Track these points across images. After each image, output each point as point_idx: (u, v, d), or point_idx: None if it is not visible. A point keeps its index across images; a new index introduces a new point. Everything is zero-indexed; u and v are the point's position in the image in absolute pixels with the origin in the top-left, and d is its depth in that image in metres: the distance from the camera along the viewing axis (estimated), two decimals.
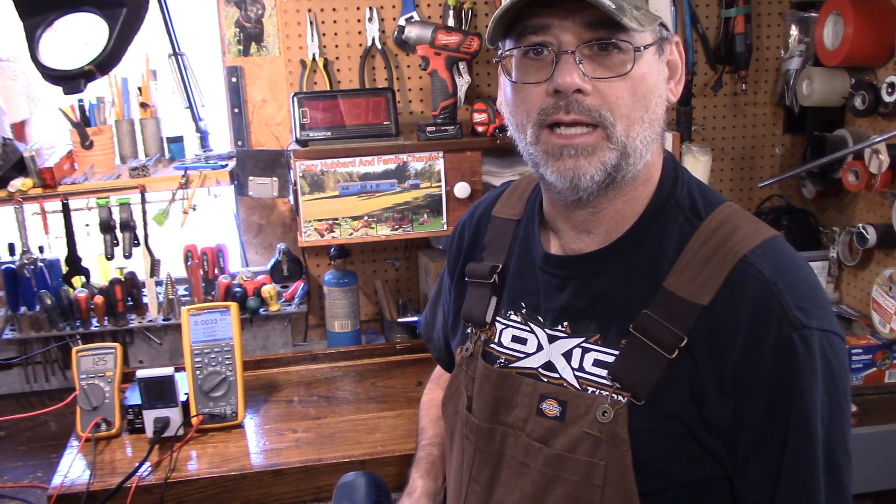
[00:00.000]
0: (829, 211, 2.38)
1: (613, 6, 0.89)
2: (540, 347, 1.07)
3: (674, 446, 0.97)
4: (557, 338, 1.05)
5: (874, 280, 2.09)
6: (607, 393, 0.99)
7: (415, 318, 2.29)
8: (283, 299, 2.28)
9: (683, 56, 1.03)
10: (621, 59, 0.94)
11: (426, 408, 1.42)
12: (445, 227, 2.10)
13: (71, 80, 1.85)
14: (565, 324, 1.05)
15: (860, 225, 2.10)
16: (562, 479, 1.01)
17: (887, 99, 2.02)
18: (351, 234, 2.07)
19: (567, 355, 1.04)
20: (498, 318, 1.14)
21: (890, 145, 1.98)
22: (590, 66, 0.93)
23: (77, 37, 2.02)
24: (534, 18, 0.94)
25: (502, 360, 1.11)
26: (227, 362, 1.84)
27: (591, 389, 1.00)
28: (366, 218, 2.06)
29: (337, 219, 2.05)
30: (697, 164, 2.17)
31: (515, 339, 1.10)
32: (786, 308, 0.92)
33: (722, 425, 0.95)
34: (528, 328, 1.09)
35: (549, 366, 1.05)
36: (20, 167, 2.03)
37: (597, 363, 1.01)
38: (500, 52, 1.01)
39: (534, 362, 1.07)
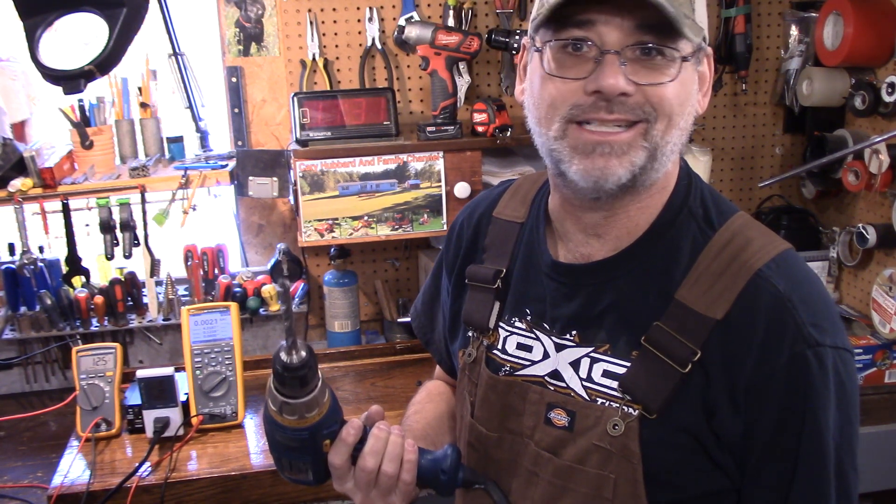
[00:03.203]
0: (829, 211, 2.38)
1: (672, 12, 0.86)
2: (546, 355, 1.05)
3: (684, 460, 0.96)
4: (565, 346, 1.03)
5: (874, 280, 2.09)
6: (617, 405, 0.97)
7: None
8: None
9: (713, 69, 1.01)
10: (666, 65, 0.91)
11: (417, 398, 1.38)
12: (445, 227, 2.09)
13: (71, 80, 1.85)
14: (574, 333, 1.03)
15: (860, 225, 2.10)
16: (571, 491, 1.00)
17: (887, 99, 2.02)
18: (351, 234, 2.07)
19: (575, 364, 1.02)
20: (501, 325, 1.12)
21: (890, 145, 1.98)
22: (633, 68, 0.90)
23: (77, 37, 2.02)
24: (579, 12, 0.90)
25: (507, 368, 1.09)
26: (227, 362, 1.84)
27: (600, 401, 0.99)
28: (366, 218, 2.06)
29: (337, 219, 2.05)
30: (697, 164, 2.17)
31: (520, 346, 1.08)
32: (800, 325, 0.91)
33: (733, 440, 0.94)
34: (533, 335, 1.07)
35: (555, 374, 1.04)
36: (20, 167, 2.03)
37: (606, 374, 0.99)
38: (534, 39, 0.96)
39: (540, 370, 1.05)
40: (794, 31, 2.32)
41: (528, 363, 1.07)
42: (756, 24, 2.37)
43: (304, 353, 0.92)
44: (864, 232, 2.08)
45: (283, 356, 0.92)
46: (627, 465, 0.96)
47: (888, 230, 2.04)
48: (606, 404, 0.98)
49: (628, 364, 0.98)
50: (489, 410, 1.09)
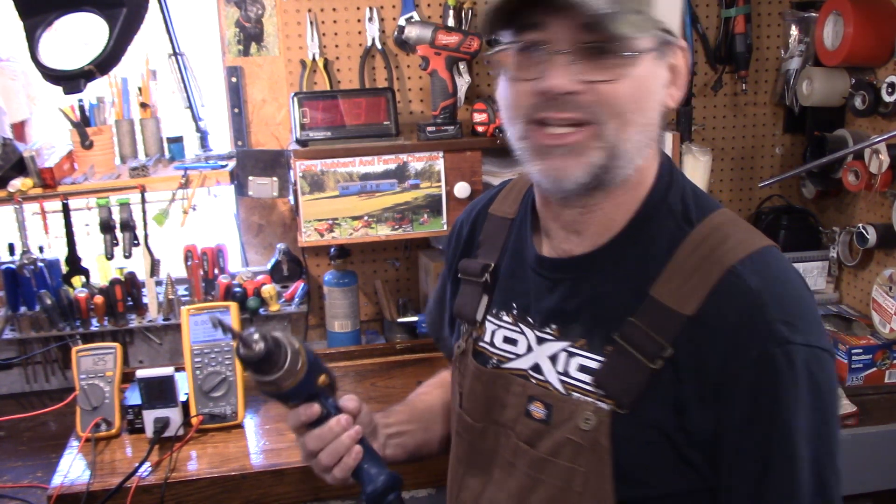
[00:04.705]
0: (829, 211, 2.38)
1: (608, 10, 0.86)
2: (530, 349, 1.07)
3: (656, 457, 0.96)
4: (545, 340, 1.05)
5: (874, 280, 2.09)
6: (591, 399, 0.98)
7: (415, 318, 2.29)
8: (283, 299, 2.28)
9: (688, 63, 1.01)
10: (616, 63, 0.91)
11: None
12: (445, 227, 2.09)
13: (71, 80, 1.85)
14: (553, 326, 1.04)
15: (860, 225, 2.10)
16: (544, 483, 1.01)
17: (887, 99, 2.02)
18: (351, 234, 2.07)
19: (553, 358, 1.03)
20: (489, 318, 1.14)
21: (890, 145, 1.98)
22: (583, 67, 0.91)
23: (77, 37, 2.02)
24: (530, 15, 0.92)
25: (494, 361, 1.11)
26: (227, 362, 1.84)
27: (575, 395, 1.00)
28: (366, 218, 2.06)
29: (337, 219, 2.05)
30: (697, 164, 2.17)
31: (507, 339, 1.10)
32: (769, 322, 0.90)
33: (703, 438, 0.94)
34: (518, 329, 1.09)
35: (536, 368, 1.05)
36: (20, 167, 2.03)
37: (581, 368, 1.00)
38: (496, 45, 0.98)
39: (524, 363, 1.07)
40: (794, 31, 2.32)
41: (513, 356, 1.09)
42: (756, 24, 2.37)
43: (261, 346, 0.98)
44: (864, 232, 2.08)
45: (241, 351, 0.99)
46: (597, 460, 0.96)
47: (888, 230, 2.04)
48: (581, 398, 0.99)
49: (603, 359, 0.98)
50: (475, 401, 1.12)
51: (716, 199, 1.06)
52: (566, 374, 1.01)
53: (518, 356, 1.08)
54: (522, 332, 1.08)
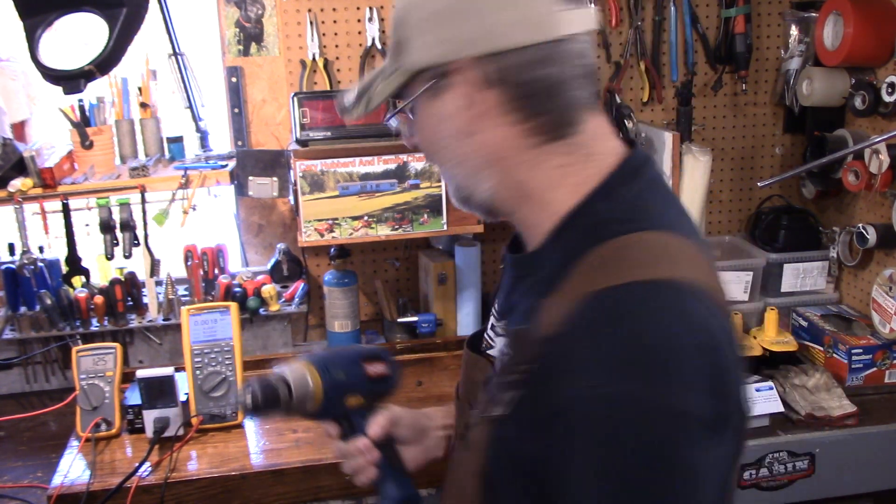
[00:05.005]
0: (829, 211, 2.38)
1: (353, 101, 1.06)
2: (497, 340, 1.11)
3: (514, 476, 0.90)
4: (500, 333, 1.08)
5: (874, 280, 2.09)
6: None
7: (415, 318, 2.29)
8: (283, 299, 2.28)
9: (469, 74, 0.93)
10: (404, 120, 1.07)
11: None
12: (445, 227, 2.10)
13: (71, 80, 1.85)
14: (503, 321, 1.07)
15: (860, 225, 2.10)
16: (455, 473, 1.05)
17: (887, 99, 2.02)
18: (351, 234, 2.07)
19: (501, 352, 1.06)
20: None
21: (890, 145, 1.98)
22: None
23: (77, 37, 2.02)
24: None
25: (484, 346, 1.14)
26: (227, 362, 1.84)
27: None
28: (366, 218, 2.06)
29: (337, 219, 2.05)
30: (697, 164, 2.17)
31: (492, 327, 1.14)
32: (580, 364, 0.80)
33: (530, 471, 0.87)
34: (498, 319, 1.12)
35: (496, 358, 1.08)
36: (20, 167, 2.03)
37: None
38: None
39: (495, 352, 1.10)
40: (794, 31, 2.32)
41: (493, 345, 1.11)
42: (756, 24, 2.37)
43: (248, 400, 1.06)
44: (864, 232, 2.08)
45: (240, 402, 1.08)
46: (474, 461, 0.97)
47: (888, 230, 2.04)
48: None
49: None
50: (462, 381, 1.17)
51: (685, 220, 0.97)
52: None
53: (496, 345, 1.11)
54: (500, 322, 1.12)
